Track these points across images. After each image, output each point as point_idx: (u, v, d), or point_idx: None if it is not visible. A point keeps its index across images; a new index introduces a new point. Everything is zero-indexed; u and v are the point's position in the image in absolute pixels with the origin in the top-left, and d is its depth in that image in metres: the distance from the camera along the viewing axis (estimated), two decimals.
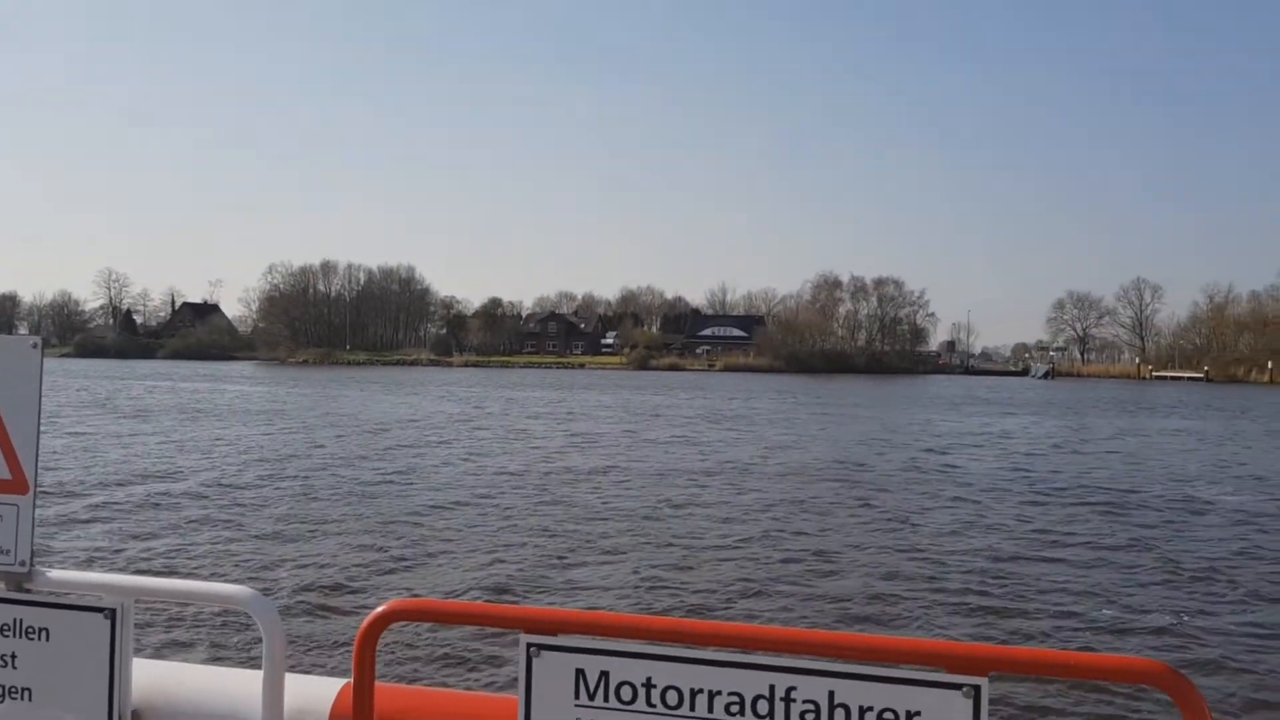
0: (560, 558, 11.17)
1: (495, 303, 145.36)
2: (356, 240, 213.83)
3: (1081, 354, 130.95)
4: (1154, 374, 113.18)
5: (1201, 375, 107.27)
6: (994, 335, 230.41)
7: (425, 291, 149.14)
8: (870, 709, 1.83)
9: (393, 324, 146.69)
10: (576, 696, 2.00)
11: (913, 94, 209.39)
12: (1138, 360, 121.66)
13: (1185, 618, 8.88)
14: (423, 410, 38.35)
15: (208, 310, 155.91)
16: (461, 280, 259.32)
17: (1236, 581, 10.45)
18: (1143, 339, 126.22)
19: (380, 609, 2.10)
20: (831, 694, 1.85)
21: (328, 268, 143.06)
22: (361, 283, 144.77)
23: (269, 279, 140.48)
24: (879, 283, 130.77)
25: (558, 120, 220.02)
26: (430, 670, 7.02)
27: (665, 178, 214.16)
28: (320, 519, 13.41)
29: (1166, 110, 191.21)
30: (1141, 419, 40.94)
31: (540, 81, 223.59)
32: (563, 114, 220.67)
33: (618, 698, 1.97)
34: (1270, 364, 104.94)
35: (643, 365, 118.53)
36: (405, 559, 10.98)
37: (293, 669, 2.34)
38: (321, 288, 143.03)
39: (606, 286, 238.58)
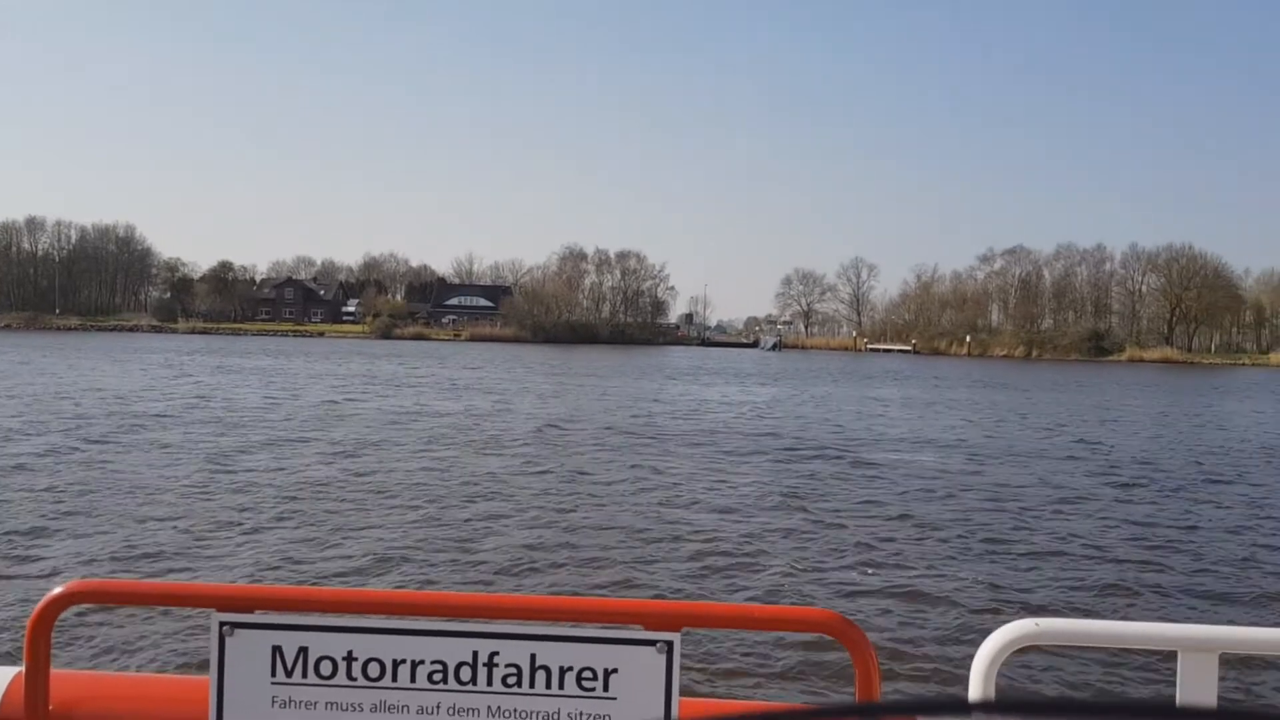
0: (256, 532, 10.74)
1: (226, 266, 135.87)
2: (68, 196, 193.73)
3: (806, 327, 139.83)
4: (869, 346, 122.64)
5: (910, 348, 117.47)
6: (729, 309, 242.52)
7: (147, 253, 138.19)
8: (570, 669, 1.93)
9: (109, 287, 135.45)
10: (274, 674, 1.95)
11: (655, 70, 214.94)
12: (855, 334, 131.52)
13: (868, 570, 9.82)
14: (129, 379, 35.57)
15: None
16: (189, 242, 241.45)
17: (910, 535, 11.62)
18: (859, 314, 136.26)
19: (56, 591, 1.99)
20: (533, 656, 1.93)
21: (34, 224, 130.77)
22: (73, 241, 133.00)
23: None
24: (622, 256, 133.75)
25: (295, 80, 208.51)
26: (117, 655, 6.69)
27: (409, 145, 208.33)
28: None
29: (883, 103, 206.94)
30: (851, 387, 44.30)
31: (283, 41, 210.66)
32: (304, 74, 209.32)
33: (317, 673, 1.94)
34: (968, 338, 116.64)
35: (385, 334, 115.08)
36: (91, 538, 10.26)
37: None
38: (27, 246, 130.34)
39: (348, 253, 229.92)
